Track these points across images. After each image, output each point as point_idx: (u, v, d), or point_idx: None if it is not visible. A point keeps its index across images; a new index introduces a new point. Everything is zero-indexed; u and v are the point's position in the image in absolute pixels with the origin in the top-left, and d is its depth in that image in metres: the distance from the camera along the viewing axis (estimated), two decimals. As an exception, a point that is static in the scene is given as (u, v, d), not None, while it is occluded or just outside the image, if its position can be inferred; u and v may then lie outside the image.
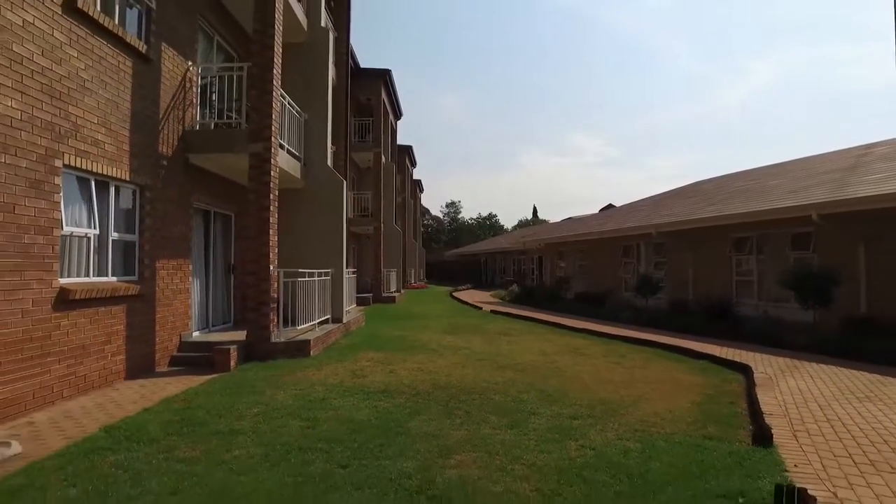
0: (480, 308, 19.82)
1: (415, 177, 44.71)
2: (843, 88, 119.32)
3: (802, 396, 5.94)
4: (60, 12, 5.58)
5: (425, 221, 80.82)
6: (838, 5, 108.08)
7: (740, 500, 3.33)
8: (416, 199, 48.52)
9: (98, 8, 6.25)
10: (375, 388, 6.35)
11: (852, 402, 5.66)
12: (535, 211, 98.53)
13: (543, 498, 3.42)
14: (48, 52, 5.41)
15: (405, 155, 35.81)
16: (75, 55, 5.82)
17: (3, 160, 4.85)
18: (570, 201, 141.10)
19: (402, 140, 33.60)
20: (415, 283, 38.55)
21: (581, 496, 3.45)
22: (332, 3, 13.33)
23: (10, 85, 4.92)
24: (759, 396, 5.81)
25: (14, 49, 4.97)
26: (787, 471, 3.74)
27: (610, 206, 51.69)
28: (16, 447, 4.18)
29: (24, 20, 5.08)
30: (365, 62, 20.99)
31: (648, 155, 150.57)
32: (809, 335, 9.97)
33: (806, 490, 3.28)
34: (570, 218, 54.02)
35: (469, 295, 28.65)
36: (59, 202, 5.61)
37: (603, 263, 20.51)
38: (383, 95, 22.90)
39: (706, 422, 5.10)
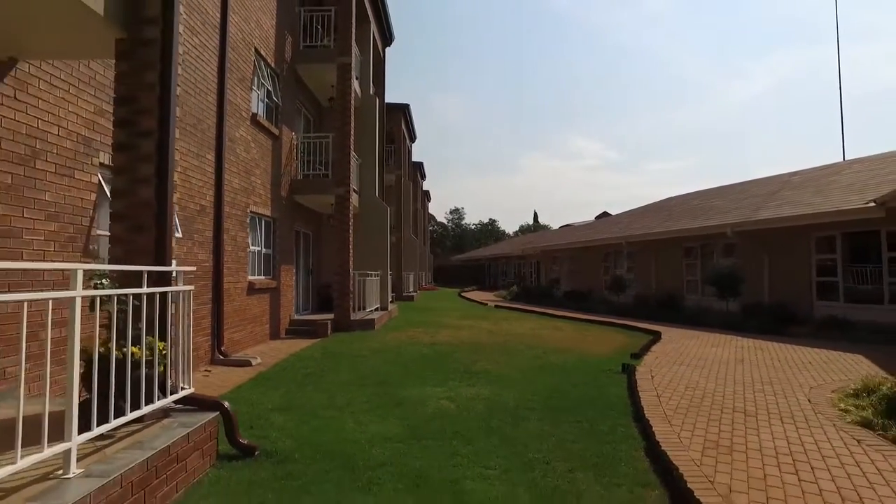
0: (486, 304, 23.96)
1: (423, 188, 48.92)
2: (848, 89, 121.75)
3: (681, 345, 10.06)
4: (249, 124, 9.79)
5: (431, 227, 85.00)
6: (840, 6, 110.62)
7: (608, 371, 7.47)
8: (425, 208, 52.71)
9: (261, 114, 10.46)
10: (426, 342, 10.51)
11: (705, 347, 9.79)
12: (535, 217, 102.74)
13: (522, 374, 7.54)
14: (245, 147, 9.61)
15: (416, 170, 39.98)
16: (253, 146, 10.01)
17: (234, 212, 9.03)
18: (572, 204, 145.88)
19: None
20: (425, 285, 42.68)
21: (538, 374, 7.58)
22: (373, 69, 17.46)
23: (235, 171, 9.12)
24: (654, 345, 9.94)
25: (237, 151, 9.17)
26: (636, 367, 7.83)
27: (605, 214, 55.85)
28: (258, 360, 8.34)
29: (240, 134, 9.29)
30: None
31: (648, 158, 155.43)
32: (720, 317, 14.08)
33: (634, 366, 7.45)
34: (567, 225, 58.14)
35: (475, 295, 32.80)
36: (248, 232, 9.80)
37: (587, 267, 24.65)
38: (402, 126, 27.12)
39: (615, 354, 9.22)
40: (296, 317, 12.74)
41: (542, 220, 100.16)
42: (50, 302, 2.56)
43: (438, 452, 4.25)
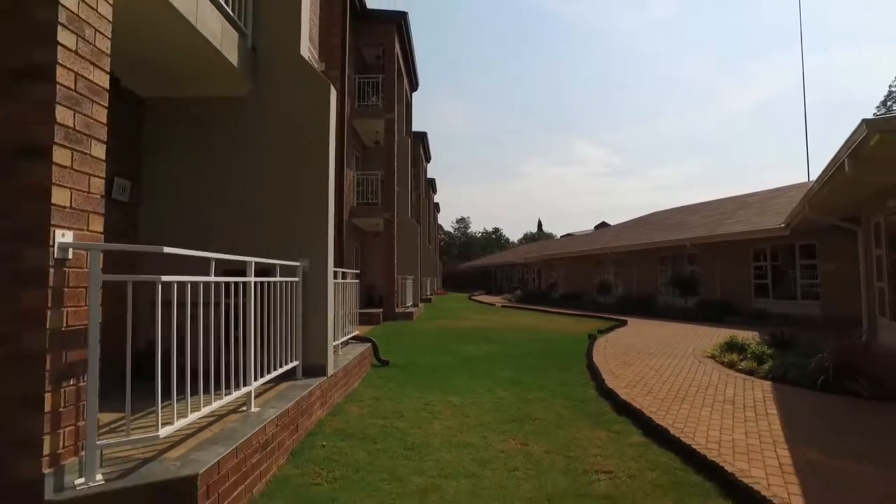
0: (494, 305, 27.95)
1: (433, 200, 53.06)
2: (850, 94, 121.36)
3: (638, 328, 13.99)
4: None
5: (439, 236, 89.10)
6: (843, 11, 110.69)
7: (580, 340, 11.45)
8: (435, 219, 56.84)
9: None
10: (455, 327, 14.53)
11: (654, 329, 13.72)
12: (539, 225, 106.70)
13: (524, 341, 11.51)
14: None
15: (429, 187, 44.12)
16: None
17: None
18: (576, 211, 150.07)
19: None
20: (437, 290, 46.68)
21: (534, 341, 11.56)
22: (405, 113, 21.59)
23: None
24: (619, 327, 13.90)
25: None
26: (598, 336, 11.77)
27: (603, 224, 59.71)
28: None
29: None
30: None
31: (653, 164, 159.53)
32: (681, 312, 18.00)
33: (596, 336, 11.46)
34: (568, 234, 62.05)
35: (484, 298, 36.77)
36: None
37: (580, 273, 28.61)
38: (421, 151, 31.25)
39: (589, 332, 13.19)
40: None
41: (546, 228, 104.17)
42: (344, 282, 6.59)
43: (478, 365, 8.27)
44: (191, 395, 2.92)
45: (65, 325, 2.36)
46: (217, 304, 3.34)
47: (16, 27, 2.29)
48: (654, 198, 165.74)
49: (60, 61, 2.32)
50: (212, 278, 3.24)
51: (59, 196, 2.34)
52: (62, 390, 2.35)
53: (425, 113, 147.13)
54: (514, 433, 4.74)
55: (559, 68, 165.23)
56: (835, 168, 6.78)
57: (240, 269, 3.93)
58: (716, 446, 4.25)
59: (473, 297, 36.79)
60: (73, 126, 2.42)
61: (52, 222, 2.31)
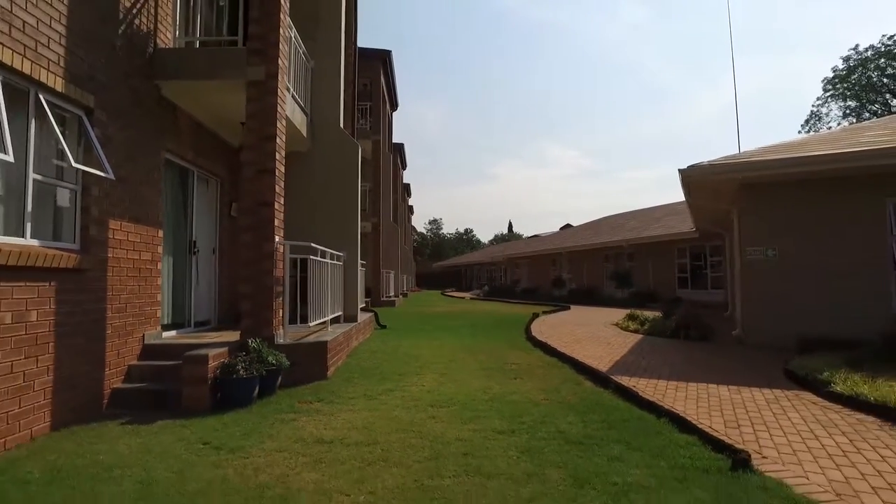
0: (464, 298, 31.43)
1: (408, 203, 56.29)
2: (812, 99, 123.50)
3: (576, 311, 17.61)
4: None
5: (413, 237, 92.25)
6: (812, 19, 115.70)
7: (526, 318, 14.99)
8: (409, 220, 60.11)
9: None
10: (433, 311, 17.94)
11: (587, 313, 17.36)
12: (510, 226, 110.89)
13: (485, 318, 14.98)
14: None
15: (405, 191, 47.37)
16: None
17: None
18: (547, 212, 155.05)
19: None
20: (412, 288, 49.97)
21: (493, 318, 15.05)
22: (387, 131, 24.86)
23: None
24: (560, 311, 17.50)
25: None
26: (541, 315, 15.31)
27: (568, 226, 63.88)
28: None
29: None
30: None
31: (625, 167, 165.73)
32: (618, 301, 21.75)
33: (537, 314, 15.03)
34: (535, 235, 66.09)
35: (455, 294, 40.25)
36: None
37: (539, 270, 32.35)
38: (398, 160, 34.53)
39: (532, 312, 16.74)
40: (344, 299, 19.98)
41: (517, 229, 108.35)
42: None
43: (450, 330, 11.70)
44: (312, 315, 6.24)
45: (276, 275, 5.67)
46: (314, 273, 6.66)
47: (260, 151, 5.59)
48: (626, 199, 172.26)
49: (276, 165, 5.64)
50: (318, 258, 6.56)
51: (275, 223, 5.65)
52: (277, 301, 5.66)
53: (398, 115, 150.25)
54: (469, 353, 8.17)
55: (531, 71, 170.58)
56: (683, 196, 10.42)
57: (319, 254, 7.22)
58: (582, 356, 7.72)
59: (446, 293, 40.26)
60: (277, 192, 5.73)
61: (274, 234, 5.62)
